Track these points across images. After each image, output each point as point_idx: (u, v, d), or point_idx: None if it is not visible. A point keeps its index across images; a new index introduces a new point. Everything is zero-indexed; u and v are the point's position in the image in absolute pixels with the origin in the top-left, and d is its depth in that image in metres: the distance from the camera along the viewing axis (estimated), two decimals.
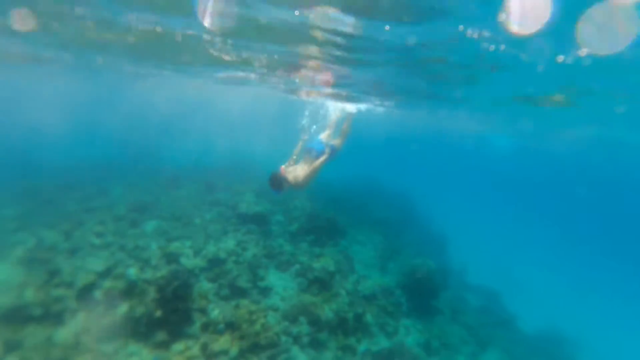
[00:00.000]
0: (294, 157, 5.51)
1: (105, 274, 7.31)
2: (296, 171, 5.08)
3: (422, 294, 10.60)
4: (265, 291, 8.69)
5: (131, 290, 6.66)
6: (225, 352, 6.03)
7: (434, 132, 32.01)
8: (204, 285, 7.91)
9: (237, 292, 8.17)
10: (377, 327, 9.06)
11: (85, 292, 6.51)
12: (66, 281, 6.56)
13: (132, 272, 7.55)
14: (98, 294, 6.69)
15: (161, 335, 5.92)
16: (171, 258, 8.09)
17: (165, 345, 5.90)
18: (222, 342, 6.17)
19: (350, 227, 13.89)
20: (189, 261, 8.37)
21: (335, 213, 13.20)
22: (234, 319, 6.68)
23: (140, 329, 5.95)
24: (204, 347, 5.86)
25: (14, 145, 20.63)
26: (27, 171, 14.47)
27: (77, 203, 11.20)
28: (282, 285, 9.26)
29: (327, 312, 8.45)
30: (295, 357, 7.13)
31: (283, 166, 4.95)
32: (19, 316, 5.60)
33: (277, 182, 4.63)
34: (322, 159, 5.19)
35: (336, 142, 6.45)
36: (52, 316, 5.93)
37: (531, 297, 18.20)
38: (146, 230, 9.90)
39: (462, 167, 64.99)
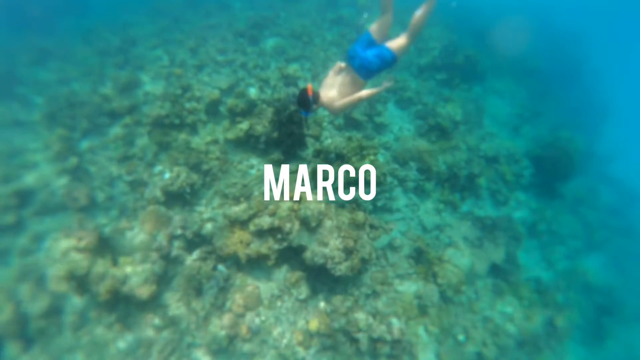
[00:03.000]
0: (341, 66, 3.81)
1: (228, 91, 7.51)
2: (333, 95, 3.73)
3: (551, 172, 8.77)
4: (380, 127, 8.12)
5: (251, 110, 6.71)
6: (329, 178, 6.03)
7: None
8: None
9: (352, 124, 7.79)
10: (488, 192, 8.11)
11: (211, 107, 6.87)
12: (196, 96, 6.93)
13: (253, 91, 7.61)
14: (223, 109, 6.96)
15: (276, 155, 6.14)
16: (289, 81, 7.78)
17: (279, 163, 6.16)
18: (329, 170, 6.11)
19: (491, 72, 11.32)
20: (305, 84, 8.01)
21: (477, 51, 10.66)
22: (344, 150, 6.43)
23: (259, 146, 6.24)
24: (313, 173, 5.94)
25: None
26: None
27: (200, 19, 11.19)
28: (398, 124, 8.53)
29: (440, 163, 7.70)
30: (395, 198, 7.05)
31: (310, 84, 3.67)
32: (163, 123, 6.26)
33: (304, 102, 3.60)
34: (372, 91, 3.63)
35: (400, 43, 3.67)
36: (187, 126, 6.51)
37: None
38: (265, 48, 9.58)
39: None
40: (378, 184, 6.32)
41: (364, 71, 3.62)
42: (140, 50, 9.42)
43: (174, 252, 4.90)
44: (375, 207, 6.49)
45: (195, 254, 4.96)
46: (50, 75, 8.92)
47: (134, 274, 4.58)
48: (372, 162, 6.44)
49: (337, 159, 6.33)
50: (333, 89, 3.75)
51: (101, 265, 4.57)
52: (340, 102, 3.66)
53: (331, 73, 3.90)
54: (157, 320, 4.74)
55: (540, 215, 8.30)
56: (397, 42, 3.58)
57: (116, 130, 6.75)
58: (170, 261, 4.93)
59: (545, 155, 8.94)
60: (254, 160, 6.29)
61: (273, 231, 4.60)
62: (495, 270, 6.83)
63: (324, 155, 6.23)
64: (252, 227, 4.56)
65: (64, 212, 5.99)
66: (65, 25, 12.04)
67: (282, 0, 13.05)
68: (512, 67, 12.51)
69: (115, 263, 4.79)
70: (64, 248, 4.40)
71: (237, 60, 8.55)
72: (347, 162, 6.29)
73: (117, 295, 4.51)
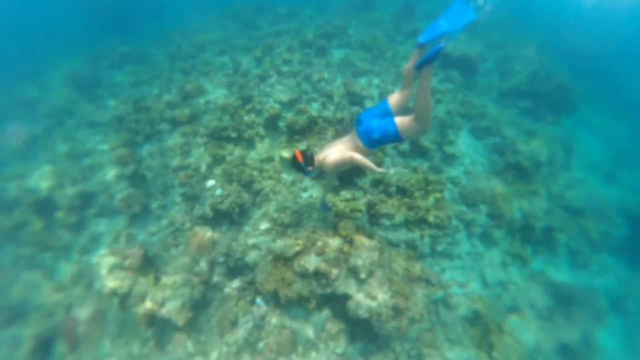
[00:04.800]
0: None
1: (290, 105, 7.33)
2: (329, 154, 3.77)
3: None
4: (450, 159, 7.36)
5: (311, 127, 6.47)
6: (389, 217, 5.52)
7: None
8: None
9: (418, 152, 7.15)
10: (566, 250, 6.84)
11: (271, 122, 6.72)
12: (256, 108, 6.86)
13: (315, 107, 7.37)
14: (282, 124, 6.78)
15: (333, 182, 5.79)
16: (355, 99, 7.37)
17: (336, 191, 5.77)
18: (389, 205, 5.60)
19: (586, 102, 9.84)
20: (373, 104, 7.53)
21: (572, 78, 9.36)
22: (407, 184, 5.88)
23: None
24: (370, 205, 5.47)
25: None
26: None
27: (269, 25, 11.25)
28: (471, 157, 7.68)
29: (515, 210, 6.74)
30: (458, 242, 6.29)
31: (298, 150, 3.80)
32: (221, 136, 6.24)
33: (297, 167, 3.77)
34: (366, 162, 3.53)
35: (406, 123, 3.36)
36: (244, 140, 6.44)
37: None
38: (332, 60, 9.28)
39: None
40: (441, 227, 5.70)
41: (365, 138, 3.58)
42: (207, 56, 9.72)
43: (215, 278, 4.78)
44: (433, 251, 5.84)
45: (236, 282, 4.79)
46: (125, 78, 9.58)
47: (173, 297, 4.53)
48: (437, 201, 5.84)
49: (398, 193, 5.81)
50: (332, 148, 3.79)
51: (143, 284, 4.62)
52: (331, 158, 3.65)
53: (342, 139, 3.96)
54: (189, 345, 4.65)
55: (630, 289, 6.89)
56: (405, 121, 3.39)
57: (175, 138, 6.91)
58: (210, 287, 4.82)
59: None
60: (308, 183, 6.00)
61: (318, 275, 4.24)
62: (565, 352, 5.75)
63: (383, 187, 5.76)
64: (296, 268, 4.24)
65: (120, 215, 6.24)
66: (146, 29, 12.92)
67: (355, 8, 12.74)
68: (613, 97, 10.86)
69: (157, 280, 4.80)
70: (110, 265, 4.49)
71: (302, 72, 8.38)
72: (409, 197, 5.76)
73: (154, 317, 4.50)
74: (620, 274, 7.09)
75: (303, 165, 3.66)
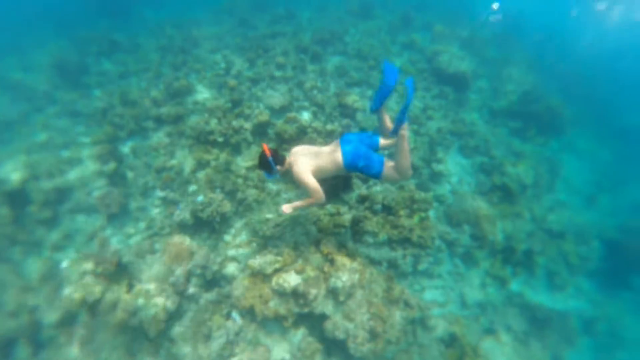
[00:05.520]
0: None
1: (280, 112, 7.23)
2: (307, 162, 3.54)
3: (626, 262, 7.47)
4: (437, 177, 7.43)
5: (300, 137, 6.40)
6: (373, 234, 5.52)
7: None
8: None
9: None
10: (544, 271, 7.04)
11: (260, 128, 6.63)
12: (246, 113, 6.73)
13: (305, 115, 7.29)
14: (271, 131, 6.69)
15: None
16: (346, 111, 7.32)
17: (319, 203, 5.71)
18: (374, 222, 5.59)
19: (573, 124, 10.13)
20: (364, 118, 7.49)
21: (562, 101, 9.57)
22: (393, 202, 5.89)
23: None
24: (354, 221, 5.45)
25: None
26: None
27: (265, 26, 11.10)
28: (459, 175, 7.76)
29: (498, 231, 6.88)
30: (440, 261, 6.36)
31: (266, 144, 3.49)
32: (207, 140, 6.10)
33: (264, 164, 3.45)
34: (301, 204, 3.59)
35: (390, 169, 3.50)
36: (231, 145, 6.30)
37: None
38: (327, 67, 9.24)
39: None
40: (424, 247, 5.73)
41: (349, 159, 3.47)
42: (200, 52, 9.51)
43: (191, 289, 4.67)
44: (415, 270, 5.86)
45: (212, 295, 4.69)
46: (113, 67, 9.28)
47: (146, 306, 4.40)
48: (421, 220, 5.86)
49: (384, 210, 5.80)
50: (311, 158, 3.56)
51: (115, 292, 4.48)
52: (298, 168, 3.45)
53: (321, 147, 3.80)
54: (161, 356, 4.54)
55: (602, 311, 7.09)
56: (390, 167, 3.47)
57: (160, 137, 6.75)
58: (185, 297, 4.71)
59: (622, 240, 7.69)
60: (293, 195, 5.92)
61: (296, 294, 4.18)
62: None
63: (369, 203, 5.73)
64: (274, 285, 4.17)
65: (96, 214, 6.04)
66: (139, 16, 12.55)
67: (353, 15, 12.70)
68: (599, 121, 11.15)
69: (130, 288, 4.66)
70: (82, 271, 4.34)
71: (295, 78, 8.28)
72: (394, 215, 5.75)
73: (125, 326, 4.37)
74: (593, 296, 7.33)
75: (272, 162, 3.36)
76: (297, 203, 3.55)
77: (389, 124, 3.65)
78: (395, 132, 3.33)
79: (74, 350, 4.63)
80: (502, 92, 10.19)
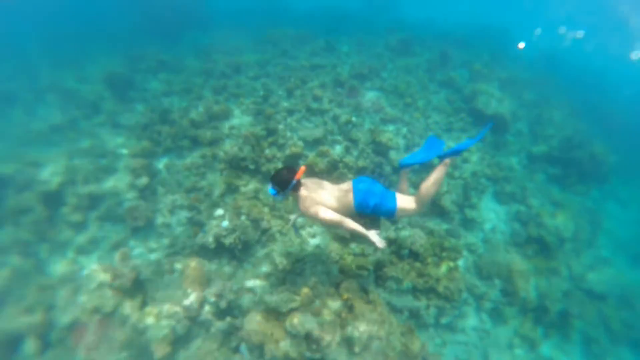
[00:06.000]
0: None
1: (313, 144, 7.28)
2: (321, 196, 3.32)
3: None
4: (469, 223, 7.13)
5: (330, 172, 6.40)
6: (397, 281, 5.28)
7: None
8: None
9: (438, 212, 6.95)
10: (581, 336, 6.49)
11: (291, 159, 6.71)
12: (279, 142, 6.82)
13: (338, 149, 7.30)
14: (302, 163, 6.71)
15: (342, 231, 5.58)
16: (379, 149, 7.28)
17: (344, 241, 5.58)
18: (399, 268, 5.37)
19: (618, 174, 9.55)
20: (397, 156, 7.42)
21: (606, 146, 9.14)
22: (421, 249, 5.66)
23: None
24: (378, 265, 5.25)
25: None
26: (276, 18, 15.59)
27: (305, 57, 11.47)
28: (492, 223, 7.43)
29: (531, 287, 6.46)
30: (465, 315, 5.98)
31: (304, 166, 3.24)
32: (239, 165, 6.19)
33: (282, 182, 3.14)
34: (359, 230, 3.16)
35: (407, 204, 3.43)
36: (261, 174, 6.34)
37: None
38: (363, 103, 9.30)
39: None
40: (450, 299, 5.43)
41: (360, 199, 3.29)
42: (241, 79, 9.89)
43: (203, 315, 4.56)
44: (437, 322, 5.53)
45: (223, 324, 4.56)
46: (158, 85, 9.78)
47: (155, 327, 4.34)
48: (450, 270, 5.59)
49: (410, 256, 5.59)
50: (326, 192, 3.38)
51: (128, 307, 4.45)
52: (305, 202, 3.20)
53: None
54: None
55: None
56: (405, 200, 3.40)
57: (194, 157, 6.90)
58: (196, 323, 4.61)
59: None
60: (318, 229, 5.83)
61: (309, 337, 4.00)
62: None
63: (396, 247, 5.55)
64: (288, 326, 4.02)
65: (123, 224, 6.16)
66: (188, 40, 13.34)
67: (391, 51, 12.95)
68: None
69: (143, 305, 4.63)
70: (99, 281, 4.37)
71: (331, 111, 8.38)
72: (420, 262, 5.53)
73: (131, 343, 4.31)
74: None
75: (293, 184, 3.13)
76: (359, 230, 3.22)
77: (405, 187, 3.64)
78: (443, 157, 3.39)
79: (80, 355, 4.59)
80: (541, 136, 9.86)
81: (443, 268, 5.65)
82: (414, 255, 5.59)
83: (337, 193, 3.39)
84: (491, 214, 7.62)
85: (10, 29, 15.23)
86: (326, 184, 3.55)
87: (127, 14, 15.07)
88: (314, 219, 3.22)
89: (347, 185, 3.46)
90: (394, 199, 3.37)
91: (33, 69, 11.20)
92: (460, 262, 6.14)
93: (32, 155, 7.25)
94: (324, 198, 3.31)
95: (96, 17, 15.87)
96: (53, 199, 6.27)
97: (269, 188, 3.23)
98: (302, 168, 3.20)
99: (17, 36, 14.38)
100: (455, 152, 3.40)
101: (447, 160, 3.38)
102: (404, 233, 5.85)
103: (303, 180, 3.42)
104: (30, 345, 4.69)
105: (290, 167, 3.26)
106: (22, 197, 6.20)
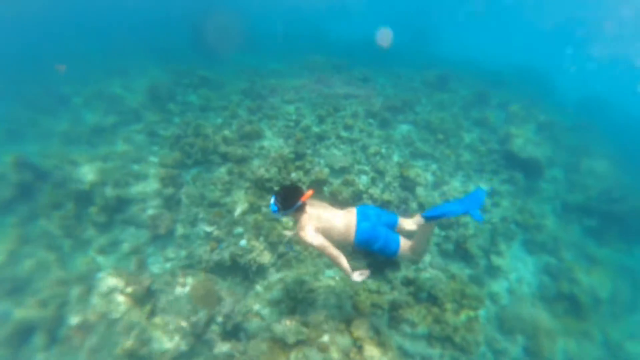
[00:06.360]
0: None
1: (339, 172, 7.26)
2: (320, 225, 3.21)
3: None
4: (494, 271, 6.73)
5: (355, 200, 6.28)
6: (412, 324, 5.01)
7: None
8: None
9: (461, 255, 6.64)
10: None
11: (316, 185, 6.65)
12: (306, 167, 6.84)
13: (364, 180, 7.23)
14: (326, 190, 6.68)
15: (361, 265, 5.38)
16: (407, 184, 7.14)
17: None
18: (415, 311, 5.10)
19: None
20: (424, 193, 7.25)
21: None
22: (440, 293, 5.38)
23: (347, 248, 5.64)
24: (394, 305, 5.01)
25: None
26: (316, 45, 16.17)
27: (340, 85, 11.68)
28: (518, 274, 6.97)
29: (558, 349, 5.94)
30: None
31: (311, 190, 3.18)
32: (264, 186, 6.25)
33: (288, 200, 3.08)
34: (346, 267, 3.10)
35: (406, 248, 3.36)
36: None
37: None
38: (394, 135, 9.26)
39: None
40: (466, 351, 5.08)
41: (362, 238, 3.21)
42: (275, 101, 10.15)
43: (208, 334, 4.48)
44: None
45: (227, 346, 4.45)
46: (197, 100, 10.20)
47: (160, 339, 4.30)
48: (469, 320, 5.26)
49: (429, 299, 5.32)
50: (327, 220, 3.24)
51: (136, 316, 4.44)
52: (315, 236, 3.07)
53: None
54: None
55: None
56: (406, 245, 3.33)
57: (221, 172, 7.02)
58: (200, 341, 4.53)
59: None
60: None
61: None
62: None
63: (414, 289, 5.31)
64: (292, 359, 3.86)
65: (145, 230, 6.28)
66: (230, 59, 14.00)
67: (427, 85, 12.96)
68: None
69: (151, 315, 4.62)
70: (112, 286, 4.42)
71: (360, 140, 8.39)
72: (438, 307, 5.24)
73: (134, 354, 4.27)
74: None
75: (298, 205, 3.06)
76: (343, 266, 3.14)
77: (408, 226, 3.54)
78: (430, 219, 3.10)
79: (82, 355, 4.58)
80: (579, 185, 9.34)
81: (462, 316, 5.33)
82: (433, 299, 5.32)
83: (339, 224, 3.26)
84: (519, 263, 7.20)
85: (73, 38, 16.68)
86: (330, 211, 3.44)
87: (179, 32, 16.14)
88: (307, 245, 3.25)
89: (349, 215, 3.35)
90: (397, 243, 3.30)
91: (87, 75, 12.06)
92: (481, 312, 5.78)
93: (72, 154, 7.66)
94: (324, 226, 3.20)
95: (151, 33, 17.06)
96: (83, 198, 6.51)
97: (271, 202, 3.17)
98: (310, 192, 3.15)
99: (77, 45, 15.69)
100: (441, 216, 3.07)
101: (434, 223, 3.19)
102: (424, 275, 5.62)
103: (308, 202, 3.33)
104: (39, 339, 4.77)
105: (297, 187, 3.23)
106: (56, 193, 6.51)
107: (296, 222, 3.27)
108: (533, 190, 8.83)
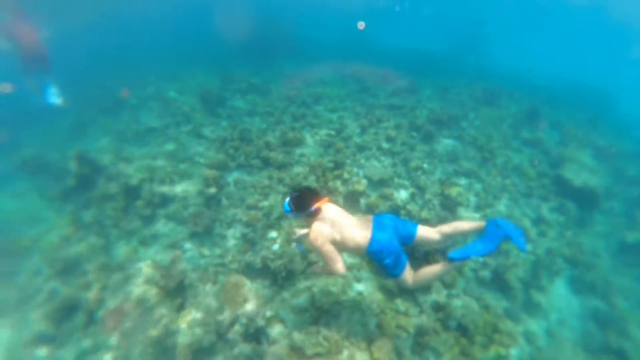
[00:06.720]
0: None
1: (378, 184, 7.15)
2: (331, 232, 3.15)
3: None
4: (533, 308, 6.18)
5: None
6: (436, 353, 4.74)
7: None
8: None
9: (499, 285, 6.19)
10: None
11: (352, 196, 6.56)
12: (344, 177, 6.81)
13: (402, 194, 7.04)
14: (363, 202, 6.60)
15: (390, 283, 5.25)
16: (447, 202, 6.85)
17: (390, 294, 5.23)
18: (442, 339, 4.82)
19: None
20: (466, 214, 6.92)
21: None
22: (472, 324, 5.04)
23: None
24: (420, 330, 4.78)
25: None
26: (363, 54, 16.19)
27: (385, 96, 11.59)
28: (560, 315, 6.35)
29: None
30: None
31: (327, 198, 3.22)
32: None
33: (302, 204, 3.07)
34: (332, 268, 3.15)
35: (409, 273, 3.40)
36: None
37: None
38: (437, 150, 8.96)
39: None
40: None
41: (376, 248, 3.10)
42: (319, 109, 10.29)
43: (230, 334, 4.56)
44: None
45: (247, 348, 4.49)
46: (244, 105, 10.61)
47: (185, 333, 4.45)
48: (498, 357, 4.89)
49: (458, 329, 5.02)
50: (341, 227, 3.18)
51: (166, 308, 4.65)
52: (321, 242, 3.03)
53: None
54: None
55: None
56: (409, 275, 3.32)
57: (262, 177, 7.20)
58: (222, 339, 4.62)
59: None
60: (365, 275, 5.59)
61: None
62: None
63: (443, 315, 5.04)
64: None
65: (184, 226, 6.58)
66: (279, 66, 14.46)
67: (476, 100, 12.44)
68: None
69: (180, 309, 4.81)
70: (148, 277, 4.66)
71: (401, 153, 8.21)
72: (467, 339, 4.92)
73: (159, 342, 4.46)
74: None
75: (307, 208, 3.04)
76: (317, 267, 3.41)
77: (431, 235, 3.43)
78: (454, 260, 3.06)
79: (114, 338, 4.86)
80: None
81: (491, 352, 4.94)
82: (462, 329, 5.00)
83: (353, 232, 3.19)
84: (562, 302, 6.51)
85: (134, 45, 18.22)
86: (344, 218, 3.34)
87: (228, 40, 17.00)
88: (312, 247, 3.18)
89: (365, 223, 3.28)
90: (404, 267, 3.22)
91: (144, 80, 13.05)
92: (513, 351, 5.31)
93: (126, 151, 8.27)
94: (338, 232, 3.14)
95: (202, 41, 18.14)
96: (132, 192, 6.99)
97: (285, 202, 3.16)
98: (326, 199, 3.17)
99: (136, 52, 17.10)
100: (469, 256, 3.01)
101: (459, 264, 3.12)
102: (456, 302, 5.31)
103: (323, 206, 3.28)
104: (80, 317, 5.15)
105: (315, 190, 3.22)
106: (109, 186, 7.06)
107: (308, 225, 3.28)
108: (586, 223, 8.01)
